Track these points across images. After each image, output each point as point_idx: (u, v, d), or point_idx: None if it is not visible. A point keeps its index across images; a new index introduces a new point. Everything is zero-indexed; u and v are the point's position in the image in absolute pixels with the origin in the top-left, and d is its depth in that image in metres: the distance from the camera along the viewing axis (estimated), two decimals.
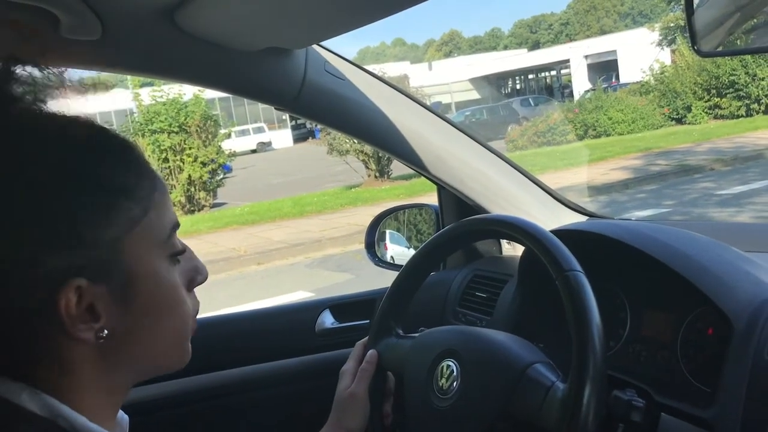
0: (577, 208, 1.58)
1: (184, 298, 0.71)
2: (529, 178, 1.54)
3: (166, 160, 13.56)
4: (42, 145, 0.63)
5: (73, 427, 0.62)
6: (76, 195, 0.62)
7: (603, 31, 64.23)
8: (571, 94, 35.69)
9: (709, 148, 13.21)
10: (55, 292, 0.60)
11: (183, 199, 13.63)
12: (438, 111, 1.48)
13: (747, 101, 18.39)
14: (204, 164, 13.78)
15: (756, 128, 15.17)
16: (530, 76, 48.48)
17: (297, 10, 1.05)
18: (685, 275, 0.98)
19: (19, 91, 0.65)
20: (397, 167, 13.60)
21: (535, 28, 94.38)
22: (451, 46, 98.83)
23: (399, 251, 1.73)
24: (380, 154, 13.05)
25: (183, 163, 13.70)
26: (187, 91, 13.95)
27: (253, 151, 33.55)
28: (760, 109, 18.27)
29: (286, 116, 33.22)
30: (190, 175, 13.66)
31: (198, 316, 0.76)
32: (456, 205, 1.58)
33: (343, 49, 1.35)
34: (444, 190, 1.57)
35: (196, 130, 13.74)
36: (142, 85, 14.44)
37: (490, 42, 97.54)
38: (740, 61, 17.86)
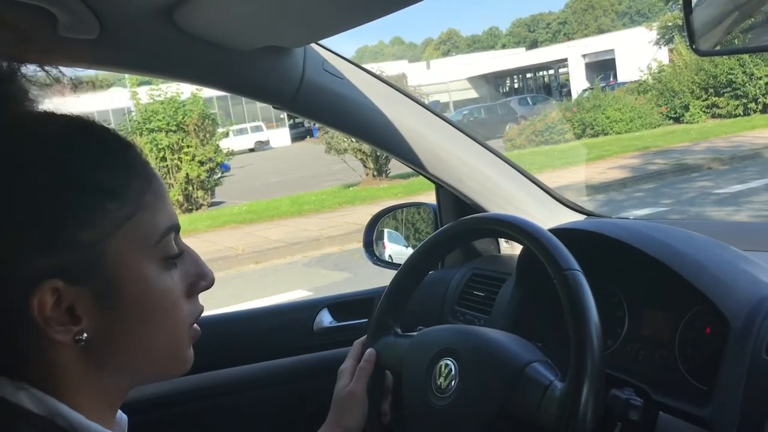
0: (575, 207, 1.58)
1: (178, 303, 0.69)
2: (527, 177, 1.54)
3: (163, 158, 13.55)
4: (17, 143, 0.62)
5: (71, 425, 0.62)
6: (55, 195, 0.61)
7: (601, 30, 64.26)
8: (569, 93, 35.66)
9: (707, 147, 13.23)
10: (29, 292, 0.59)
11: (181, 198, 13.62)
12: (436, 110, 1.48)
13: (744, 100, 18.41)
14: (202, 163, 13.77)
15: (753, 127, 15.18)
16: (528, 75, 48.46)
17: (295, 9, 1.05)
18: (682, 274, 0.98)
19: (14, 89, 0.64)
20: (396, 166, 13.60)
21: (533, 27, 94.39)
22: (449, 45, 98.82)
23: (397, 250, 1.73)
24: (378, 153, 13.05)
25: (181, 161, 13.69)
26: (185, 89, 13.93)
27: (251, 150, 33.50)
28: (757, 108, 18.29)
29: (284, 115, 33.27)
30: (187, 174, 13.65)
31: None
32: (454, 203, 1.58)
33: (341, 48, 1.36)
34: (442, 188, 1.57)
35: (194, 129, 13.72)
36: (140, 84, 14.42)
37: (488, 41, 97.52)
38: (738, 60, 17.89)
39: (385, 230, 1.74)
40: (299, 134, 38.44)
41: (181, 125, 13.70)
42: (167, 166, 13.55)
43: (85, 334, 0.62)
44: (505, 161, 1.52)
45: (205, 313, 0.75)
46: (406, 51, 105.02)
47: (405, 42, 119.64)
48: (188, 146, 13.69)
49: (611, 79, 32.25)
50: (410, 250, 1.47)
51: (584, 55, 37.73)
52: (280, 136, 37.47)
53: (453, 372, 0.95)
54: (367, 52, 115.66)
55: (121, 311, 0.64)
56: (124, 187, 0.65)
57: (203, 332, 0.74)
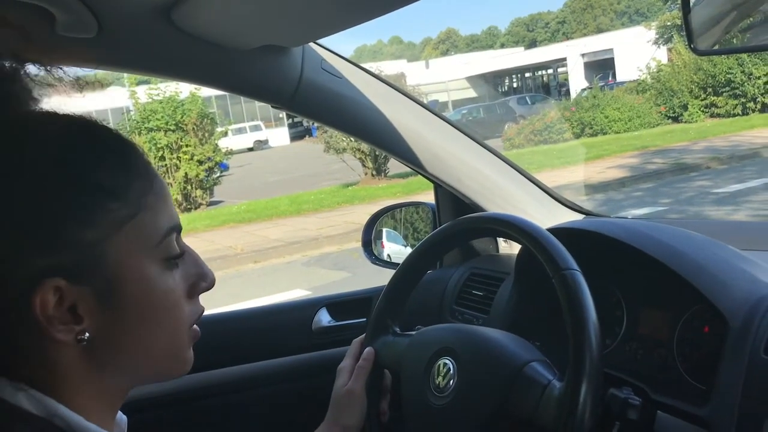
0: (573, 206, 1.58)
1: (179, 304, 0.69)
2: (526, 177, 1.54)
3: (162, 158, 13.55)
4: (19, 142, 0.62)
5: (69, 426, 0.62)
6: (56, 194, 0.61)
7: (599, 30, 64.27)
8: (567, 93, 35.67)
9: (706, 147, 13.23)
10: (31, 291, 0.59)
11: (180, 198, 13.62)
12: (435, 109, 1.48)
13: (743, 100, 18.42)
14: (201, 162, 13.77)
15: (752, 127, 15.19)
16: (527, 75, 48.47)
17: (293, 8, 1.05)
18: (681, 273, 0.98)
19: (17, 89, 0.64)
20: (394, 165, 13.61)
21: (532, 27, 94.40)
22: (448, 44, 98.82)
23: (396, 249, 1.73)
24: (377, 153, 13.05)
25: (180, 161, 13.69)
26: (183, 89, 13.92)
27: (250, 149, 33.50)
28: (756, 107, 18.30)
29: (282, 114, 33.27)
30: (186, 173, 13.65)
31: None
32: (453, 203, 1.58)
33: (339, 47, 1.36)
34: (441, 188, 1.57)
35: (193, 129, 13.72)
36: (139, 83, 14.41)
37: (487, 40, 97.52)
38: (736, 59, 17.90)
39: (384, 230, 1.74)
40: (298, 133, 38.42)
41: (179, 124, 13.70)
42: (166, 165, 13.55)
43: (87, 334, 0.62)
44: (503, 161, 1.52)
45: (203, 313, 0.74)
46: (404, 50, 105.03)
47: (404, 41, 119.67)
48: (187, 145, 13.69)
49: (610, 79, 32.25)
50: (409, 250, 1.47)
51: (583, 55, 37.75)
52: (279, 136, 37.46)
53: (451, 371, 0.95)
54: (365, 51, 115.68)
55: (123, 311, 0.64)
56: (125, 188, 0.65)
57: (202, 331, 0.74)
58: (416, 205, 1.76)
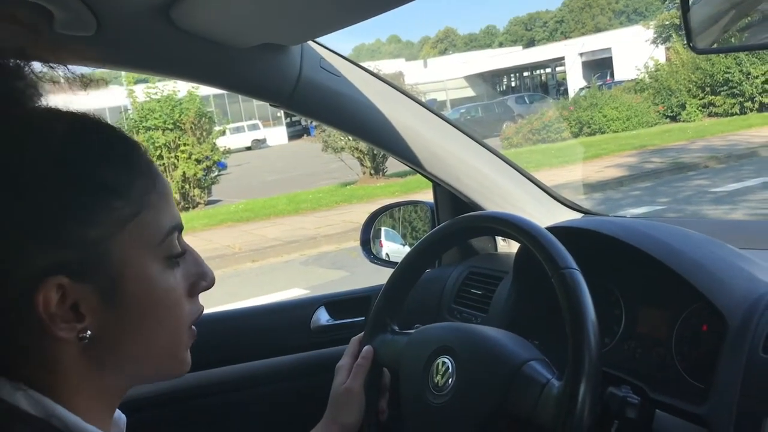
0: (572, 205, 1.58)
1: (180, 302, 0.69)
2: (525, 176, 1.54)
3: (160, 157, 13.53)
4: (22, 139, 0.62)
5: (66, 427, 0.61)
6: (58, 192, 0.61)
7: (598, 29, 64.31)
8: (566, 92, 35.70)
9: (704, 146, 13.25)
10: (34, 288, 0.59)
11: (177, 197, 13.59)
12: (433, 108, 1.48)
13: (741, 99, 18.45)
14: (198, 161, 13.76)
15: (750, 126, 15.22)
16: (525, 74, 48.46)
17: (292, 6, 1.04)
18: (679, 272, 0.98)
19: (21, 86, 0.64)
20: (393, 164, 13.61)
21: (530, 26, 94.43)
22: (447, 43, 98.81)
23: (394, 248, 1.73)
24: (375, 151, 13.05)
25: (177, 160, 13.68)
26: (181, 88, 13.91)
27: (248, 148, 33.48)
28: (753, 107, 18.34)
29: (281, 113, 33.23)
30: (184, 173, 13.64)
31: None
32: (451, 202, 1.58)
33: (338, 46, 1.36)
34: (439, 187, 1.57)
35: (191, 127, 13.71)
36: (137, 82, 14.38)
37: (486, 39, 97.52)
38: (734, 59, 17.93)
39: (382, 229, 1.74)
40: (296, 132, 38.41)
41: (177, 123, 13.68)
42: (164, 164, 13.53)
43: (89, 332, 0.62)
44: (502, 159, 1.52)
45: (203, 312, 0.74)
46: (403, 49, 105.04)
47: (402, 40, 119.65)
48: (185, 144, 13.68)
49: (608, 78, 32.25)
50: (407, 249, 1.47)
51: (581, 54, 37.75)
52: (277, 135, 37.44)
53: (450, 370, 0.95)
54: (364, 50, 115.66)
55: (125, 309, 0.64)
56: (128, 186, 0.65)
57: (200, 330, 0.74)
58: (415, 203, 1.76)
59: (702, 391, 0.92)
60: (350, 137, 9.22)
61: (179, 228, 0.69)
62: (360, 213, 8.82)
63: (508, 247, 1.60)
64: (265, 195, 14.12)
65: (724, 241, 1.08)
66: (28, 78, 0.65)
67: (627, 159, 12.76)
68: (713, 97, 18.89)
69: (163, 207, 0.67)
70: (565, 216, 1.52)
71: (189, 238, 0.71)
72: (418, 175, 1.51)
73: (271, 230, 10.06)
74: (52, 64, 0.66)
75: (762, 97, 18.21)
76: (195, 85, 9.92)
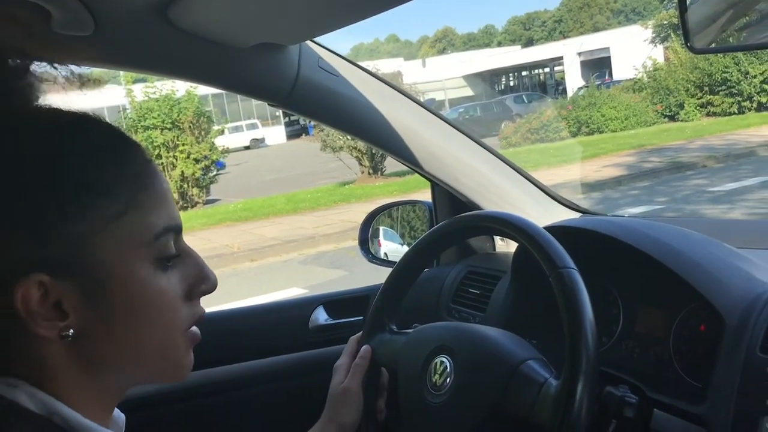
0: (570, 204, 1.58)
1: (173, 305, 0.67)
2: (523, 175, 1.54)
3: (158, 156, 13.51)
4: (10, 137, 0.62)
5: (68, 424, 0.61)
6: (40, 189, 0.60)
7: (596, 29, 64.29)
8: (564, 91, 35.68)
9: (702, 146, 13.26)
10: (13, 285, 0.59)
11: (176, 196, 13.58)
12: (432, 108, 1.48)
13: (739, 98, 18.46)
14: (197, 161, 13.74)
15: (748, 125, 15.23)
16: (524, 73, 48.44)
17: (291, 6, 1.04)
18: (677, 272, 0.99)
19: (21, 85, 0.64)
20: (391, 164, 13.60)
21: (529, 25, 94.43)
22: (445, 42, 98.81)
23: (392, 248, 1.73)
24: (374, 151, 13.04)
25: (176, 159, 13.66)
26: (180, 87, 13.89)
27: (247, 148, 33.44)
28: (752, 106, 18.35)
29: (279, 113, 33.20)
30: (183, 172, 13.62)
31: None
32: (449, 201, 1.58)
33: (336, 46, 1.36)
34: (437, 186, 1.57)
35: (189, 127, 13.69)
36: (135, 81, 14.35)
37: (484, 39, 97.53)
38: (733, 58, 17.94)
39: (381, 228, 1.74)
40: (295, 132, 38.37)
41: (176, 123, 13.67)
42: (162, 164, 13.51)
43: (71, 330, 0.62)
44: (500, 159, 1.52)
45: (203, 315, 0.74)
46: (401, 49, 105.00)
47: (401, 40, 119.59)
48: (183, 144, 13.67)
49: (606, 77, 32.25)
50: (405, 248, 1.48)
51: (580, 53, 37.76)
52: (276, 134, 37.41)
53: (448, 369, 0.95)
54: (362, 49, 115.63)
55: (110, 308, 0.63)
56: (115, 185, 0.64)
57: (199, 330, 0.74)
58: (413, 203, 1.77)
59: (700, 391, 0.92)
60: (349, 137, 9.23)
61: (176, 229, 0.68)
62: (358, 212, 8.82)
63: (507, 246, 1.60)
64: (263, 194, 14.11)
65: (722, 241, 1.08)
66: (29, 78, 0.64)
67: (625, 158, 12.76)
68: (711, 96, 18.89)
69: (155, 207, 0.66)
70: (563, 215, 1.52)
71: (187, 238, 0.71)
72: (417, 174, 1.51)
73: (270, 230, 10.06)
74: (51, 64, 0.66)
75: (760, 96, 18.22)
76: (194, 84, 9.91)
